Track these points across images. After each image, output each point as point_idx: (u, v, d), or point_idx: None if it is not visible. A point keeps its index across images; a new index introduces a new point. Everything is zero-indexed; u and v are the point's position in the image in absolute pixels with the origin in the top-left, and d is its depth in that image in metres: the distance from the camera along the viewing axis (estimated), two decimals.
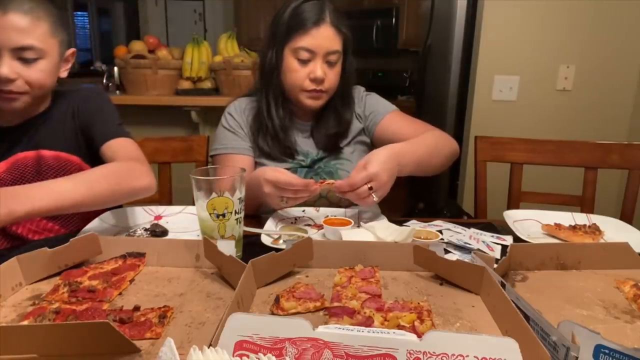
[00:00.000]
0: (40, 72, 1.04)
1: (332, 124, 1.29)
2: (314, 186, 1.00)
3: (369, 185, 0.98)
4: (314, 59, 1.18)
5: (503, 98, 2.25)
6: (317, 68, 1.18)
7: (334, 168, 1.29)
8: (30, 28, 0.99)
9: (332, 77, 1.22)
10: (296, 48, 1.17)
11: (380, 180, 0.98)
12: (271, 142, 1.25)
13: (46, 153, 1.12)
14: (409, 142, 1.14)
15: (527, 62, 2.20)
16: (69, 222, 1.14)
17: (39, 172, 1.11)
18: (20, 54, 1.00)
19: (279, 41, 1.20)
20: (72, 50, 1.14)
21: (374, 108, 1.33)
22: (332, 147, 1.29)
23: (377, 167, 0.99)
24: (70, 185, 0.90)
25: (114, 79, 2.54)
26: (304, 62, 1.19)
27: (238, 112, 1.30)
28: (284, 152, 1.26)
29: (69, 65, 1.15)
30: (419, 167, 1.14)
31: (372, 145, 1.34)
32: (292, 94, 1.24)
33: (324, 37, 1.17)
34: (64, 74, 1.13)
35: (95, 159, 1.13)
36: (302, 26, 1.16)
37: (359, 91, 1.36)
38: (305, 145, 1.30)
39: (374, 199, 0.99)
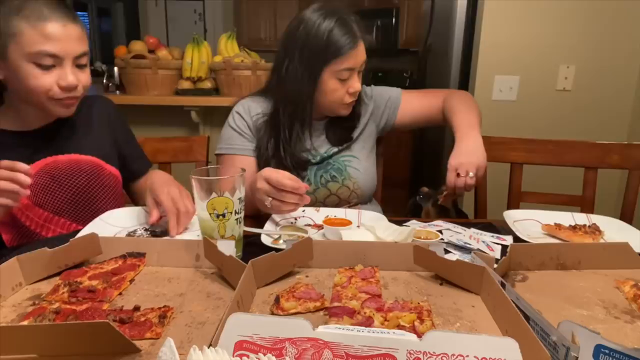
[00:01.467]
0: (89, 76, 1.08)
1: (348, 121, 1.33)
2: (304, 189, 0.99)
3: (457, 173, 1.13)
4: (353, 74, 1.22)
5: (503, 98, 2.25)
6: (356, 82, 1.23)
7: (343, 165, 1.31)
8: (83, 35, 1.05)
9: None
10: (338, 70, 1.19)
11: (462, 164, 1.13)
12: (285, 155, 1.25)
13: (77, 157, 1.14)
14: (458, 114, 1.26)
15: (527, 62, 2.20)
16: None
17: (71, 176, 1.11)
18: (78, 61, 1.04)
19: (316, 67, 1.20)
20: None
21: (387, 95, 1.39)
22: (345, 139, 1.33)
23: (453, 159, 1.15)
24: None
25: (114, 79, 2.53)
26: (344, 80, 1.22)
27: (246, 112, 1.30)
28: (299, 162, 1.27)
29: None
30: (480, 117, 1.29)
31: (394, 129, 1.41)
32: (330, 107, 1.27)
33: (360, 54, 1.22)
34: None
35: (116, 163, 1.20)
36: (342, 52, 1.18)
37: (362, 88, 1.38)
38: (317, 143, 1.32)
39: (471, 177, 1.13)
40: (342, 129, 1.33)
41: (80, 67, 1.05)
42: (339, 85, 1.22)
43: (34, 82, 0.99)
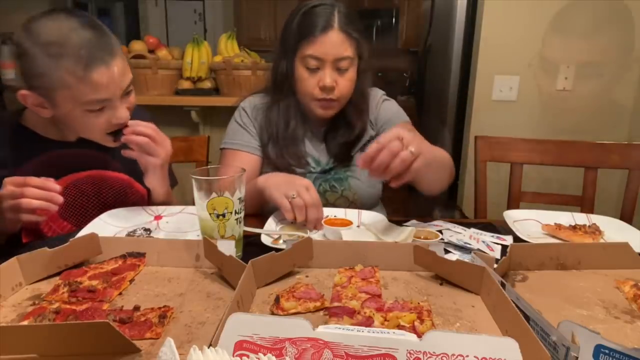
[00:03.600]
0: (134, 97, 1.06)
1: (343, 131, 1.27)
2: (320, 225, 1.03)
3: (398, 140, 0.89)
4: (323, 67, 1.15)
5: (503, 98, 2.25)
6: (326, 76, 1.15)
7: (344, 175, 1.29)
8: (125, 64, 1.00)
9: (343, 84, 1.18)
10: (304, 56, 1.15)
11: (408, 136, 0.89)
12: (280, 152, 1.24)
13: (108, 174, 1.14)
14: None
15: (527, 62, 2.20)
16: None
17: (99, 193, 1.12)
18: (126, 90, 1.01)
19: (289, 50, 1.18)
20: None
21: (388, 117, 1.31)
22: (343, 155, 1.28)
23: (400, 129, 0.92)
24: None
25: None
26: (313, 71, 1.16)
27: (251, 108, 1.30)
28: (295, 161, 1.25)
29: None
30: (435, 163, 1.02)
31: None
32: (304, 102, 1.23)
33: (331, 44, 1.13)
34: None
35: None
36: (310, 34, 1.13)
37: (376, 95, 1.33)
38: (317, 152, 1.30)
39: (411, 150, 0.88)
40: (339, 145, 1.28)
41: (128, 93, 1.03)
42: (307, 75, 1.16)
43: (88, 126, 1.00)
